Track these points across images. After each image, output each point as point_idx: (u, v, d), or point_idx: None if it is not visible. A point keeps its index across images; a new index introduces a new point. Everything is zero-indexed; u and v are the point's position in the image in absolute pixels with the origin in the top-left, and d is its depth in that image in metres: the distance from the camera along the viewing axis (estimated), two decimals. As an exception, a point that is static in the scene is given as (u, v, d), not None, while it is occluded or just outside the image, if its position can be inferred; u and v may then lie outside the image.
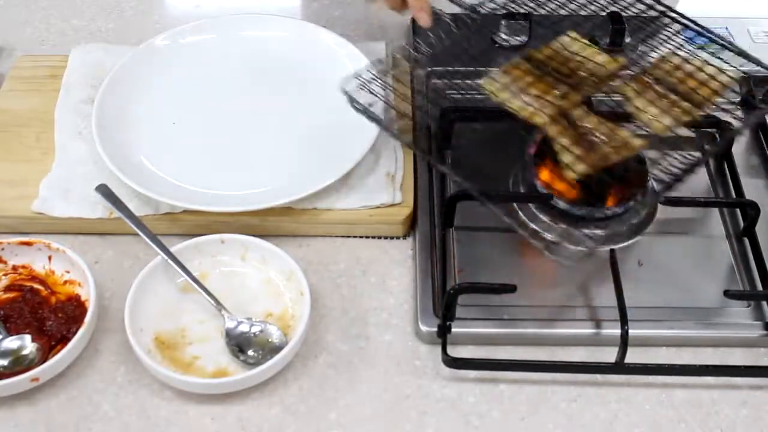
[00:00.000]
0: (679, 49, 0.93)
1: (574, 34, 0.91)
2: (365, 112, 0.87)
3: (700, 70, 0.87)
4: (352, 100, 0.85)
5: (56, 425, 0.79)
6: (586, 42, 0.90)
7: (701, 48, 0.95)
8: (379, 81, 0.89)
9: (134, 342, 0.79)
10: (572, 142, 0.82)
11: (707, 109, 0.86)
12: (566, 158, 0.81)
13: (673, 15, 0.95)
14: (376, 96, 0.88)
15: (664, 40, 0.95)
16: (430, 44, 0.90)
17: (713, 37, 0.94)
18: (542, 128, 0.83)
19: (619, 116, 0.87)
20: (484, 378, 0.82)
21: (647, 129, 0.85)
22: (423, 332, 0.84)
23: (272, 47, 1.08)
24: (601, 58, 0.88)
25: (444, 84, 1.05)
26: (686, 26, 0.95)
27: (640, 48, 0.95)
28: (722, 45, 0.92)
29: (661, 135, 0.84)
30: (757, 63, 0.90)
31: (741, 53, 0.91)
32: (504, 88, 0.85)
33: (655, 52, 0.95)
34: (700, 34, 0.95)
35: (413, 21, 1.10)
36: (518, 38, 1.08)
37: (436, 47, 0.90)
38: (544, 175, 0.91)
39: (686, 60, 0.88)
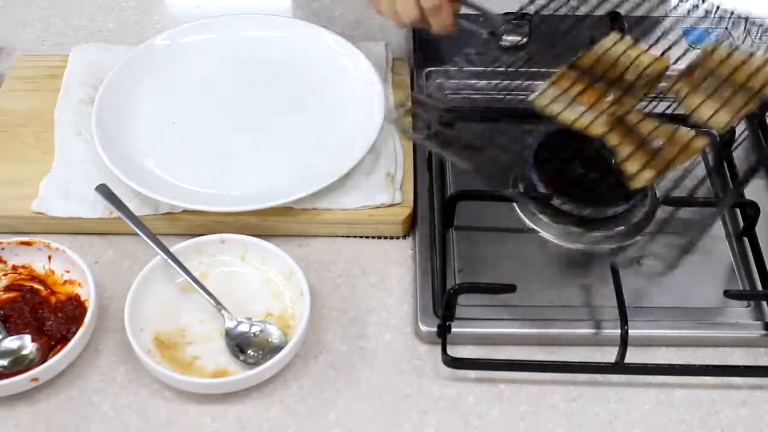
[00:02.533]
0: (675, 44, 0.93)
1: (614, 36, 0.88)
2: (426, 139, 0.85)
3: (747, 60, 0.84)
4: (405, 130, 0.84)
5: (56, 425, 0.79)
6: (629, 43, 0.87)
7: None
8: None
9: (134, 342, 0.79)
10: (634, 149, 0.79)
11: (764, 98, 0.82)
12: (631, 167, 0.78)
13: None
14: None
15: (662, 37, 0.95)
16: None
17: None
18: (602, 138, 0.80)
19: (675, 117, 0.85)
20: (484, 378, 0.82)
21: (706, 127, 0.82)
22: (423, 332, 0.84)
23: (272, 47, 1.08)
24: (647, 58, 0.85)
25: (444, 84, 1.06)
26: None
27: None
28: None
29: (721, 131, 0.81)
30: None
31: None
32: (555, 102, 0.82)
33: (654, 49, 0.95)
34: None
35: (413, 32, 1.10)
36: (518, 38, 1.08)
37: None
38: (544, 174, 0.91)
39: (733, 51, 0.85)
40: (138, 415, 0.79)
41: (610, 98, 0.81)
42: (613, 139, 0.80)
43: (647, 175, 0.78)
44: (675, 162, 0.79)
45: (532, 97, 0.83)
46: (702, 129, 0.81)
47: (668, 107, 0.88)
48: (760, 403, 0.81)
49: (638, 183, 0.78)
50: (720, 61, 0.85)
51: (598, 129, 0.80)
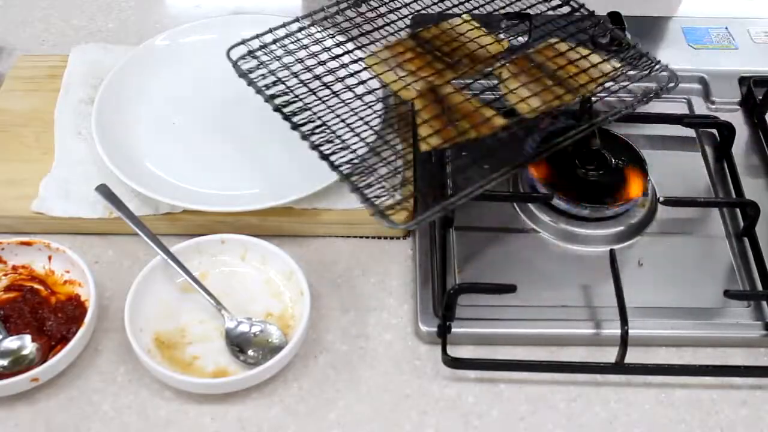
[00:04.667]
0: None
1: (466, 17, 0.92)
2: (246, 77, 0.89)
3: (584, 57, 0.88)
4: (236, 67, 0.87)
5: (56, 425, 0.79)
6: (476, 24, 0.91)
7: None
8: (267, 50, 0.91)
9: (134, 342, 0.79)
10: (433, 116, 0.82)
11: (581, 95, 0.86)
12: (423, 131, 0.81)
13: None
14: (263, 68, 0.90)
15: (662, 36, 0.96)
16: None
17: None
18: (408, 102, 0.85)
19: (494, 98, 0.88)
20: (484, 378, 0.82)
21: (514, 109, 0.85)
22: (423, 332, 0.84)
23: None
24: (487, 40, 0.89)
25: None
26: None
27: (639, 45, 0.95)
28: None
29: (526, 116, 0.84)
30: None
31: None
32: (383, 62, 0.87)
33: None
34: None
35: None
36: (518, 39, 1.07)
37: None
38: (544, 174, 0.91)
39: (572, 48, 0.89)
40: (138, 415, 0.80)
41: (432, 69, 0.85)
42: (418, 104, 0.83)
43: (435, 140, 0.81)
44: (467, 134, 0.82)
45: (364, 56, 0.88)
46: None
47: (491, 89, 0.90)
48: (760, 403, 0.81)
49: (425, 146, 0.81)
50: (555, 54, 0.89)
51: (409, 93, 0.84)
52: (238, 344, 0.82)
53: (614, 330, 0.81)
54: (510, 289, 0.82)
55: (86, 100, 1.02)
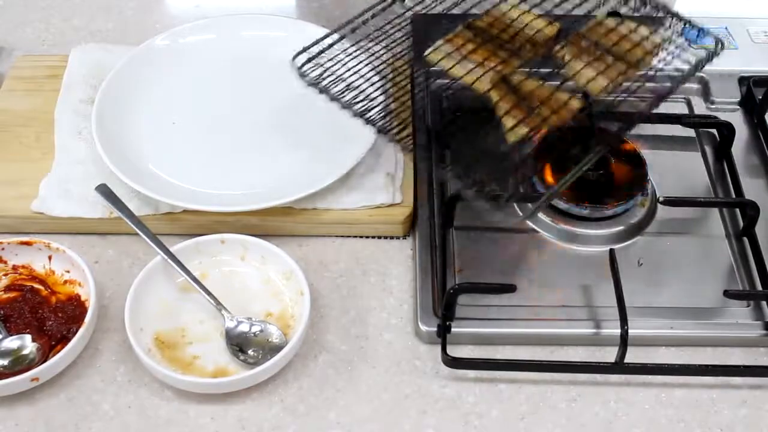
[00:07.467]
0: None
1: (512, 1, 0.92)
2: (315, 85, 0.89)
3: (633, 31, 0.88)
4: (303, 75, 0.88)
5: (56, 425, 0.79)
6: (525, 9, 0.92)
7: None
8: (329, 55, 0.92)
9: (134, 341, 0.79)
10: (513, 106, 0.83)
11: (642, 69, 0.87)
12: (508, 122, 0.82)
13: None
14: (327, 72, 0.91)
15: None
16: None
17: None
18: (484, 94, 0.85)
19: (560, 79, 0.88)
20: (484, 378, 0.82)
21: (585, 90, 0.86)
22: (423, 332, 0.84)
23: (272, 47, 1.08)
24: (539, 23, 0.90)
25: (443, 84, 1.05)
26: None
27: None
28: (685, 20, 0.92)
29: (597, 96, 0.85)
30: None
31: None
32: (448, 57, 0.87)
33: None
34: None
35: (413, 30, 1.10)
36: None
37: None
38: (544, 174, 0.91)
39: (620, 23, 0.90)
40: (138, 414, 0.80)
41: (498, 58, 0.86)
42: (495, 96, 0.84)
43: (521, 130, 0.82)
44: (549, 120, 0.83)
45: (426, 52, 0.88)
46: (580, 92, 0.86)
47: (555, 70, 0.90)
48: (759, 403, 0.81)
49: (513, 137, 0.82)
50: (607, 31, 0.89)
51: (482, 85, 0.85)
52: (238, 344, 0.82)
53: (614, 330, 0.81)
54: (510, 289, 0.82)
55: (86, 100, 1.03)
